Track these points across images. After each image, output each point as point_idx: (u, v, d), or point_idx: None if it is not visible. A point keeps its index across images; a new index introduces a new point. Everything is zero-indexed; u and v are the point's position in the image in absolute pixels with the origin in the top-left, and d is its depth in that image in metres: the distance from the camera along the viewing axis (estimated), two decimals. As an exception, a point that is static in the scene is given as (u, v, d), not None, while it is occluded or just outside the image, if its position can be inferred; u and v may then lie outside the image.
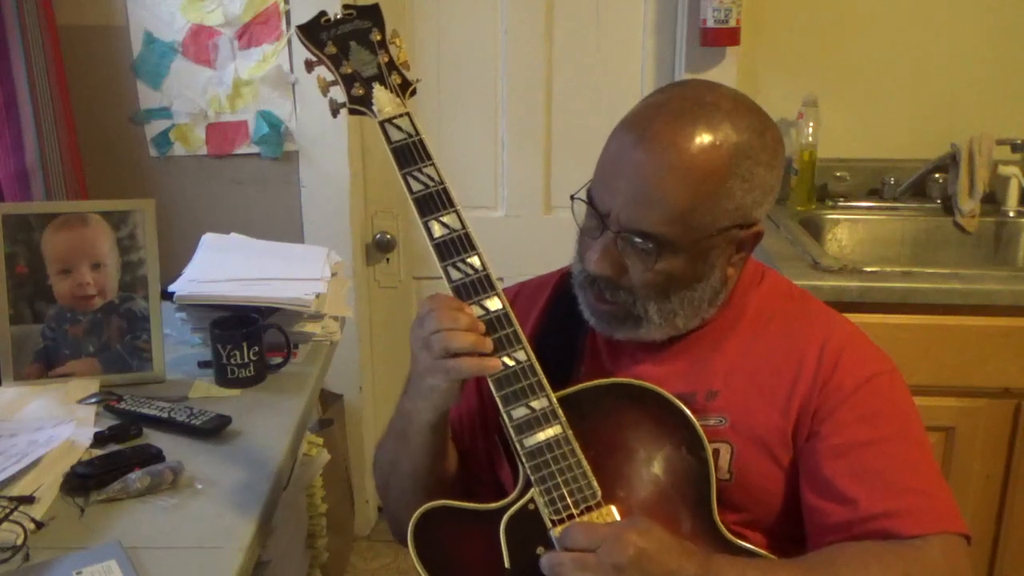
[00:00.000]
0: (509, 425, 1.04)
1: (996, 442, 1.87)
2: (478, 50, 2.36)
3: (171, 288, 1.65)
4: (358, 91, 1.11)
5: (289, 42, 2.24)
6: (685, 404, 1.09)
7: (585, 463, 1.04)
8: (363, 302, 2.48)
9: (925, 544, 1.01)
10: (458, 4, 2.34)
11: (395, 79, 1.12)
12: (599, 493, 1.03)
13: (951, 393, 1.85)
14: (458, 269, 1.07)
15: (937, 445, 1.88)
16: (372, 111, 1.11)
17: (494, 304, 1.06)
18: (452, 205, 1.08)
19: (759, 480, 1.10)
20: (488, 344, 1.04)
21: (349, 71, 1.11)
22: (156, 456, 1.31)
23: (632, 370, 1.15)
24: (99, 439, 1.36)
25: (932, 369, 1.82)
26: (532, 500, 1.04)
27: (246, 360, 1.55)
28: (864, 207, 2.29)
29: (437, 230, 1.08)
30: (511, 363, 1.05)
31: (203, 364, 1.61)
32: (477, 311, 1.05)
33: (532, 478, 1.03)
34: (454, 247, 1.07)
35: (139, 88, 2.28)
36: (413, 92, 1.13)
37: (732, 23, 2.16)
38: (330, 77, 1.13)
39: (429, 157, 1.09)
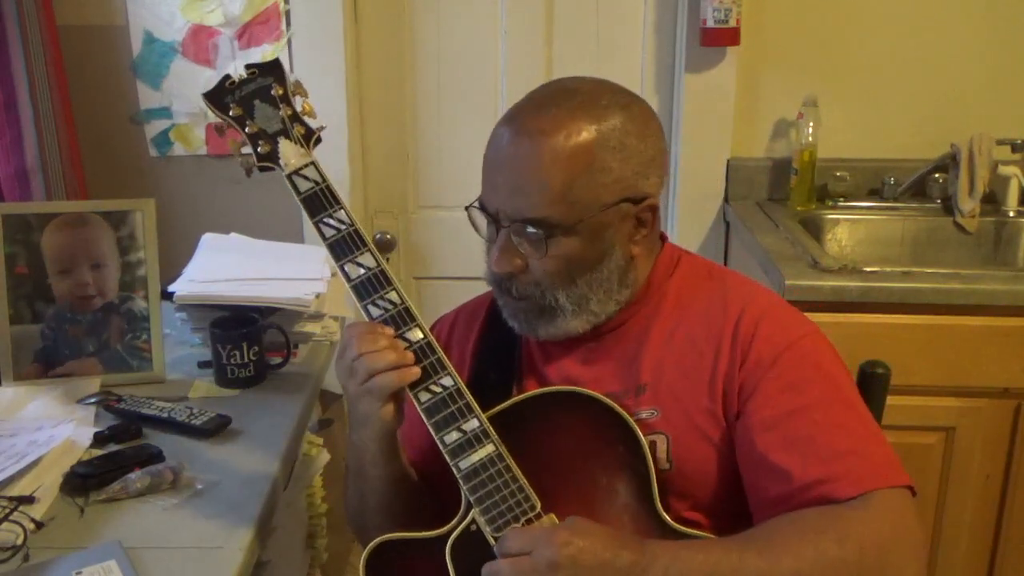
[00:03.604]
0: (444, 451, 1.06)
1: (996, 442, 1.87)
2: (478, 50, 2.36)
3: (171, 288, 1.65)
4: (265, 148, 1.14)
5: (289, 42, 2.24)
6: (616, 402, 1.10)
7: (521, 477, 1.06)
8: (363, 302, 2.48)
9: (863, 503, 1.00)
10: (458, 4, 2.34)
11: (299, 130, 1.14)
12: (538, 504, 1.05)
13: (951, 393, 1.85)
14: (377, 306, 1.09)
15: (937, 445, 1.88)
16: (279, 165, 1.13)
17: (415, 335, 1.09)
18: (365, 245, 1.11)
19: (699, 465, 1.11)
20: (410, 357, 1.07)
21: (255, 130, 1.14)
22: (156, 456, 1.31)
23: (565, 376, 1.17)
24: (99, 439, 1.36)
25: (932, 369, 1.82)
26: (473, 521, 1.06)
27: (246, 360, 1.55)
28: (864, 207, 2.29)
29: (353, 271, 1.10)
30: (438, 390, 1.07)
31: (203, 364, 1.61)
32: (402, 345, 1.08)
33: (471, 499, 1.05)
34: (371, 285, 1.10)
35: (139, 88, 2.28)
36: (318, 140, 1.16)
37: (732, 23, 2.16)
38: (241, 138, 1.15)
39: (338, 202, 1.12)
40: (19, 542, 1.12)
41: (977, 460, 1.88)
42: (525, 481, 1.06)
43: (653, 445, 1.10)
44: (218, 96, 1.15)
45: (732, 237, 2.36)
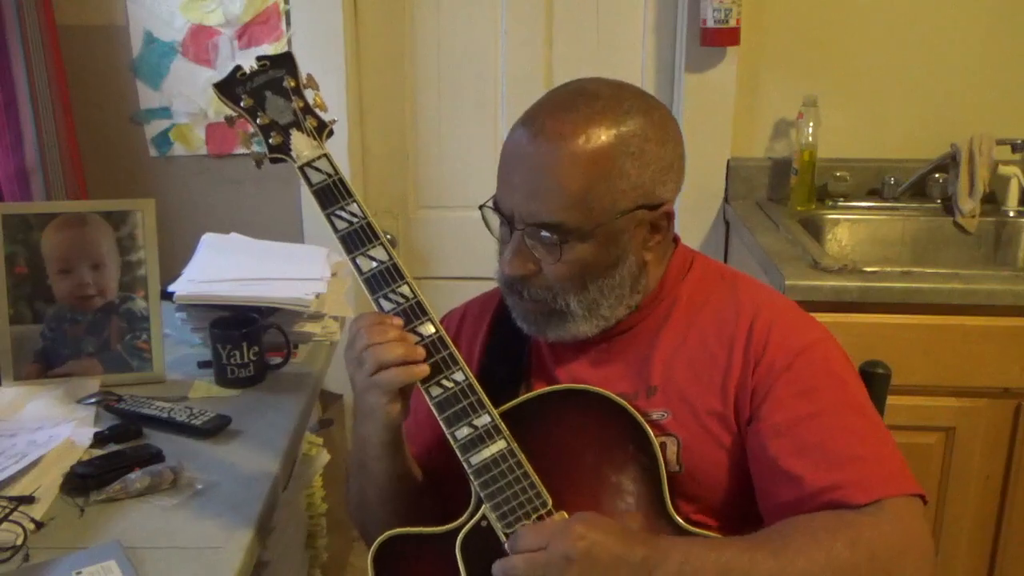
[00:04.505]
0: (455, 446, 1.05)
1: (996, 442, 1.87)
2: (478, 50, 2.36)
3: (171, 288, 1.66)
4: (276, 139, 1.13)
5: (289, 42, 2.24)
6: (627, 403, 1.10)
7: (532, 473, 1.05)
8: (363, 302, 2.48)
9: (875, 510, 1.00)
10: (458, 4, 2.34)
11: (311, 122, 1.14)
12: (549, 502, 1.05)
13: (951, 393, 1.85)
14: (389, 300, 1.09)
15: (937, 445, 1.88)
16: (291, 157, 1.13)
17: (428, 329, 1.08)
18: (377, 238, 1.11)
19: (709, 468, 1.11)
20: (419, 352, 1.06)
21: (266, 121, 1.13)
22: (156, 456, 1.31)
23: (574, 377, 1.16)
24: (99, 439, 1.36)
25: (932, 369, 1.82)
26: (484, 517, 1.05)
27: (246, 360, 1.55)
28: (864, 207, 2.29)
29: (365, 265, 1.10)
30: (450, 385, 1.06)
31: (203, 364, 1.61)
32: (412, 339, 1.07)
33: (482, 495, 1.05)
34: (383, 279, 1.10)
35: (139, 88, 2.28)
36: (330, 133, 1.15)
37: (732, 23, 2.16)
38: (251, 129, 1.14)
39: (351, 194, 1.12)
40: (19, 542, 1.12)
41: (977, 460, 1.88)
42: (537, 478, 1.05)
43: (663, 447, 1.10)
44: (229, 87, 1.14)
45: (732, 237, 2.36)
